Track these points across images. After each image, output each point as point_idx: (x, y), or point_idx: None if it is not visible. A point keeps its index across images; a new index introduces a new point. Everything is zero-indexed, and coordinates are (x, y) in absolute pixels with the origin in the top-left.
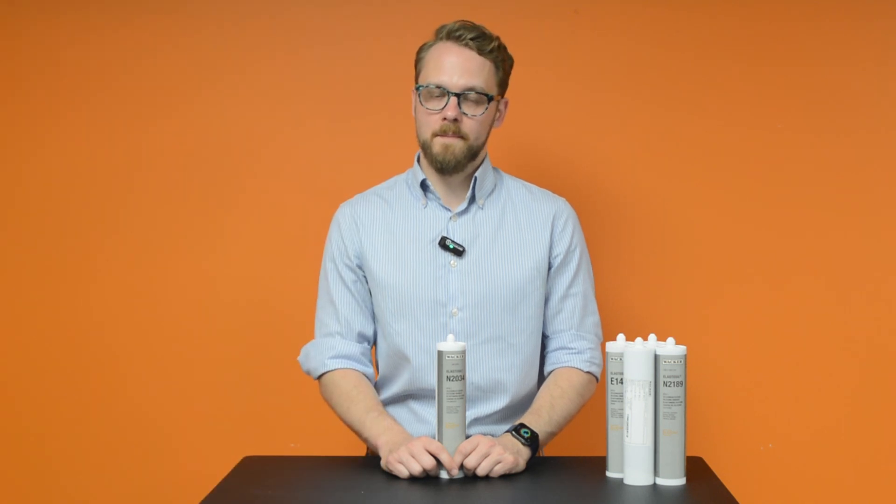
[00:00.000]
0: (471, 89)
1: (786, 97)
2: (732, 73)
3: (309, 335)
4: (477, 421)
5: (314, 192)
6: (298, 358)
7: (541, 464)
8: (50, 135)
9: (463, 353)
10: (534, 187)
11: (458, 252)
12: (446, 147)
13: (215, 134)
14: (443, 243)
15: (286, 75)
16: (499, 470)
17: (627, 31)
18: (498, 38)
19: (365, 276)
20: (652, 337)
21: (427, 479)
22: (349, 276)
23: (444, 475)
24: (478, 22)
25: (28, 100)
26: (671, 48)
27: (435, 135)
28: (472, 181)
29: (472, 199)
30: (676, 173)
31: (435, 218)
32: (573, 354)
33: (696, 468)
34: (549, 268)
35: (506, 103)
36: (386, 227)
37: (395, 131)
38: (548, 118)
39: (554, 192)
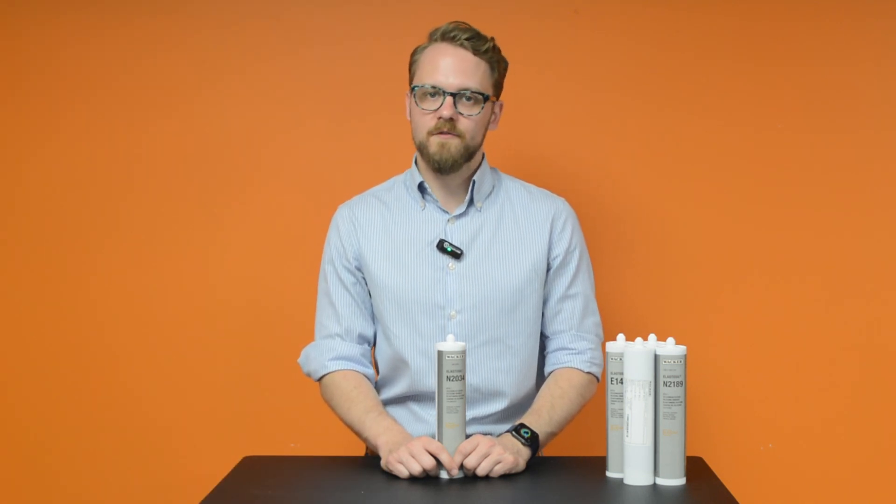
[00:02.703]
0: (466, 89)
1: (786, 97)
2: (732, 73)
3: (309, 335)
4: (476, 421)
5: (314, 192)
6: (299, 360)
7: (541, 464)
8: (50, 135)
9: (463, 352)
10: (532, 187)
11: (456, 255)
12: (442, 145)
13: (215, 134)
14: (441, 246)
15: (286, 75)
16: (499, 470)
17: (627, 32)
18: (492, 39)
19: (364, 278)
20: (652, 337)
21: (427, 479)
22: (348, 279)
23: (443, 475)
24: (478, 22)
25: (28, 100)
26: (671, 48)
27: (430, 133)
28: (471, 184)
29: (471, 202)
30: (676, 173)
31: (433, 220)
32: (574, 355)
33: (696, 468)
34: (549, 269)
35: (501, 106)
36: (384, 229)
37: (395, 132)
38: (547, 118)
39: (553, 192)
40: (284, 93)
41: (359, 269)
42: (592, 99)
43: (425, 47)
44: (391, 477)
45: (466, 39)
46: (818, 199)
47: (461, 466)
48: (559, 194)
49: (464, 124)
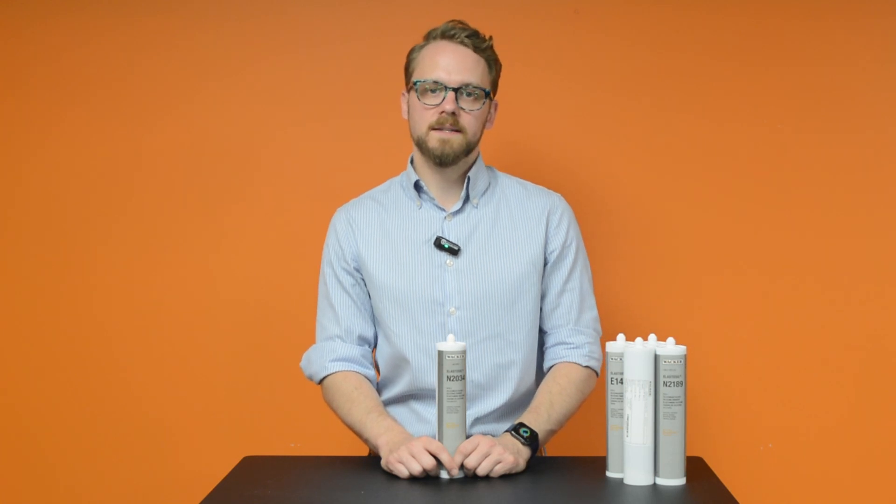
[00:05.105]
0: (468, 84)
1: (786, 97)
2: (732, 73)
3: (309, 335)
4: (478, 420)
5: (315, 192)
6: (301, 363)
7: (541, 464)
8: (50, 135)
9: (463, 352)
10: (528, 184)
11: (454, 251)
12: (444, 141)
13: (215, 134)
14: (438, 243)
15: (286, 76)
16: (499, 470)
17: (627, 32)
18: (490, 38)
19: (363, 279)
20: (652, 337)
21: (427, 479)
22: (347, 280)
23: (444, 475)
24: (478, 22)
25: (28, 100)
26: (671, 48)
27: (431, 128)
28: (466, 181)
29: (467, 199)
30: (676, 173)
31: (430, 218)
32: (572, 349)
33: (696, 468)
34: (546, 263)
35: (496, 105)
36: (382, 229)
37: (396, 132)
38: (547, 118)
39: (552, 190)
40: (285, 93)
41: (357, 271)
42: (592, 99)
43: (423, 46)
44: (391, 477)
45: (466, 37)
46: (819, 199)
47: (461, 466)
48: (558, 192)
49: (465, 119)
